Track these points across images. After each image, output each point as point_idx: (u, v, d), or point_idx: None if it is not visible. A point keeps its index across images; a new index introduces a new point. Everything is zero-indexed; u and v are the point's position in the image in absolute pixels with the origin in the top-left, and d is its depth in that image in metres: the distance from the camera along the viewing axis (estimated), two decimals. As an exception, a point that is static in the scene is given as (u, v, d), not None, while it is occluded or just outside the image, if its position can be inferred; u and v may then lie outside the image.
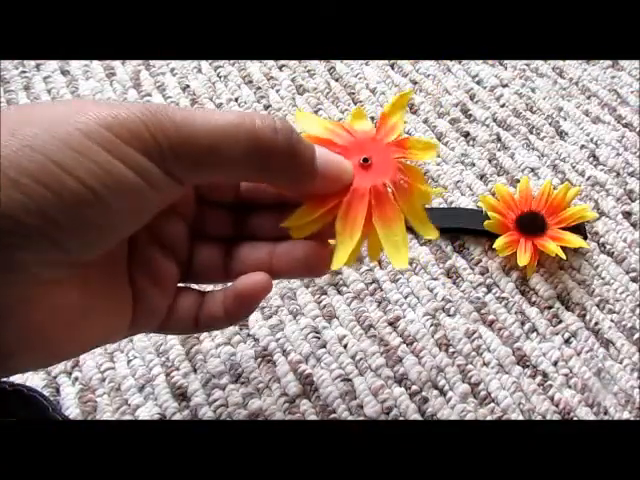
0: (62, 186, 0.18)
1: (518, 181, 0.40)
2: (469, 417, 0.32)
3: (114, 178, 0.18)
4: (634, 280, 0.36)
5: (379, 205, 0.23)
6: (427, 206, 0.26)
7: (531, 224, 0.37)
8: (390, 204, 0.23)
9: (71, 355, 0.22)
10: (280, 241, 0.24)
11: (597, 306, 0.35)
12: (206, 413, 0.32)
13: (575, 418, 0.32)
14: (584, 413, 0.32)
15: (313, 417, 0.32)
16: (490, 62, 0.47)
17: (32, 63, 0.47)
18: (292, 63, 0.47)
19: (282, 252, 0.24)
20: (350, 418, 0.32)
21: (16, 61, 0.47)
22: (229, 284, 0.24)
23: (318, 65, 0.47)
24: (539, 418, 0.32)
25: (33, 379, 0.32)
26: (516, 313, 0.35)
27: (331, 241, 0.24)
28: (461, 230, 0.38)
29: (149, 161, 0.19)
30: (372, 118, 0.43)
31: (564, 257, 0.35)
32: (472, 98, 0.45)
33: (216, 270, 0.25)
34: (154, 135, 0.19)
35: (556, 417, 0.32)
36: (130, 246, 0.23)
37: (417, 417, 0.32)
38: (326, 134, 0.25)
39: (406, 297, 0.36)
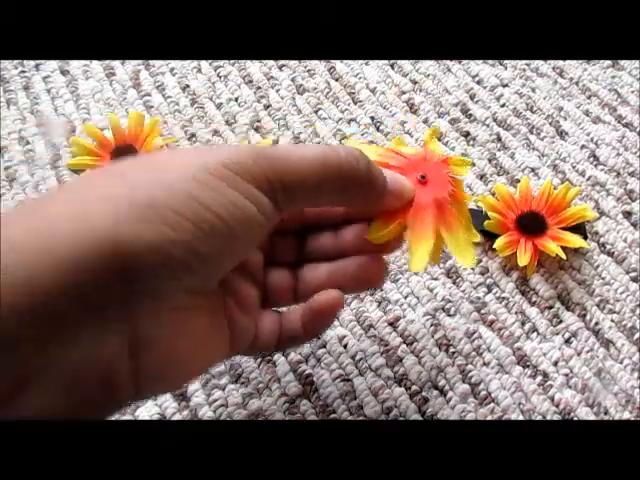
0: (202, 219, 0.20)
1: (518, 181, 0.40)
2: (469, 417, 0.32)
3: (241, 211, 0.21)
4: (634, 280, 0.36)
5: (442, 214, 0.26)
6: None
7: (531, 224, 0.37)
8: (450, 213, 0.26)
9: (189, 380, 0.24)
10: (337, 260, 0.27)
11: (597, 306, 0.35)
12: (206, 413, 0.32)
13: (575, 418, 0.32)
14: (584, 413, 0.32)
15: (313, 417, 0.32)
16: (490, 62, 0.47)
17: (31, 63, 0.47)
18: (292, 63, 0.47)
19: (339, 269, 0.27)
20: (350, 418, 0.32)
21: (15, 61, 0.47)
22: (298, 305, 0.27)
23: (318, 65, 0.47)
24: (539, 418, 0.32)
25: (33, 379, 0.32)
26: (516, 313, 0.35)
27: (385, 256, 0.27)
28: (461, 230, 0.38)
29: (262, 194, 0.21)
30: (372, 118, 0.43)
31: (564, 257, 0.35)
32: (472, 98, 0.45)
33: (286, 293, 0.27)
34: (263, 171, 0.21)
35: (556, 417, 0.32)
36: None
37: (417, 417, 0.32)
38: (382, 159, 0.27)
39: (406, 297, 0.36)
